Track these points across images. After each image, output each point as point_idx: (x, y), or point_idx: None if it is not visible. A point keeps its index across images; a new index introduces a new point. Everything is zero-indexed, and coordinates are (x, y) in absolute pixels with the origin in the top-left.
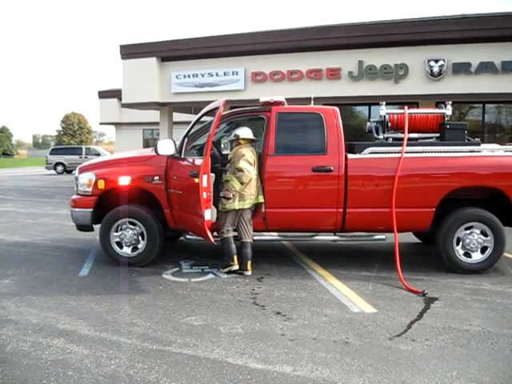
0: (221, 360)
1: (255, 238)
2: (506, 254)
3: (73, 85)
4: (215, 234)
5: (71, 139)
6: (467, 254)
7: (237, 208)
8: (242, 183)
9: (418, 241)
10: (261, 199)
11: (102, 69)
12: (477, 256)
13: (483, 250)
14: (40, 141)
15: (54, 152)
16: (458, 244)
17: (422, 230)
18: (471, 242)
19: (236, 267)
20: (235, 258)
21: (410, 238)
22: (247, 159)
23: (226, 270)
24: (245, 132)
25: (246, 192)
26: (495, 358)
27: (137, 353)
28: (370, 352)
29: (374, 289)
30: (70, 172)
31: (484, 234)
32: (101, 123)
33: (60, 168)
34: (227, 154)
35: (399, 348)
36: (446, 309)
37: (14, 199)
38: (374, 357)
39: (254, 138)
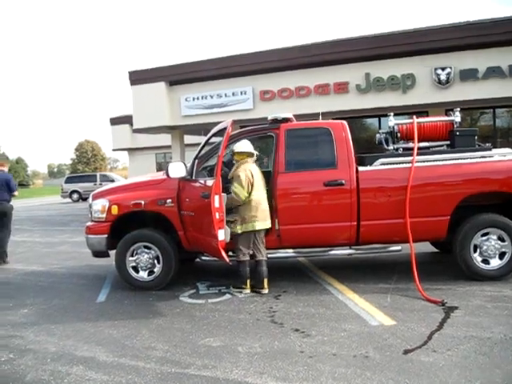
0: (240, 380)
1: (270, 255)
2: None
3: (85, 113)
4: (230, 253)
5: (85, 167)
6: (485, 261)
7: (239, 232)
8: (229, 207)
9: (436, 250)
10: (268, 224)
11: (113, 96)
12: (495, 262)
13: (501, 255)
14: (55, 170)
15: (68, 180)
16: (475, 251)
17: (438, 238)
18: (488, 248)
19: (247, 291)
20: (248, 282)
21: (426, 247)
22: (241, 183)
23: (236, 290)
24: (239, 146)
25: (246, 214)
26: None
27: (156, 377)
28: (390, 365)
29: (393, 301)
30: (85, 199)
31: (501, 239)
32: (114, 149)
33: (75, 196)
34: None
35: (420, 360)
36: (466, 317)
37: (30, 229)
38: (394, 370)
39: (250, 150)
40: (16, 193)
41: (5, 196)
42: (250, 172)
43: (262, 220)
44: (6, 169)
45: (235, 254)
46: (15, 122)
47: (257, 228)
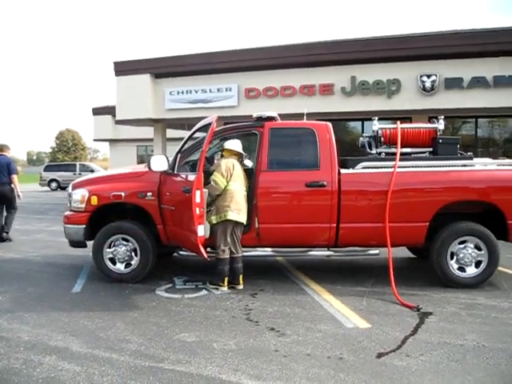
0: (214, 377)
1: (249, 253)
2: (500, 268)
3: (67, 102)
4: (208, 249)
5: (65, 156)
6: (461, 269)
7: (214, 222)
8: (209, 195)
9: (413, 255)
10: (242, 219)
11: (97, 86)
12: (471, 270)
13: (477, 264)
14: (34, 157)
15: (48, 169)
16: (452, 258)
17: (416, 244)
18: (465, 256)
19: (225, 289)
20: (226, 280)
21: (404, 252)
22: (221, 171)
23: (212, 287)
24: (229, 144)
25: (220, 204)
26: (490, 372)
27: (129, 370)
28: (364, 368)
29: (368, 304)
30: (64, 188)
31: (478, 248)
32: (95, 140)
33: (54, 184)
34: None
35: (393, 363)
36: (440, 323)
37: None
38: (368, 373)
39: (238, 150)
40: (14, 176)
41: (4, 179)
42: (231, 164)
43: (236, 211)
44: (7, 154)
45: (215, 250)
46: None
47: (229, 218)
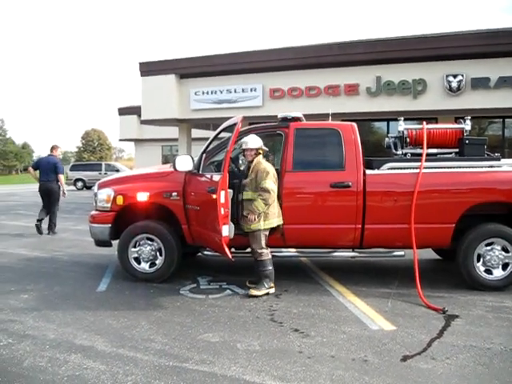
0: (238, 377)
1: (273, 254)
2: None
3: (93, 101)
4: (233, 250)
5: (91, 155)
6: (488, 271)
7: (262, 228)
8: (266, 205)
9: (438, 257)
10: (281, 221)
11: (123, 86)
12: (498, 273)
13: (505, 266)
14: (60, 157)
15: (73, 168)
16: (478, 260)
17: (442, 246)
18: (492, 258)
19: (273, 290)
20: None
21: (429, 254)
22: (272, 178)
23: (262, 293)
24: (259, 141)
25: (270, 211)
26: None
27: (153, 369)
28: (388, 370)
29: (394, 306)
30: (89, 188)
31: (505, 250)
32: (120, 140)
33: (80, 184)
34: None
35: (419, 366)
36: (466, 326)
37: (34, 214)
38: (393, 375)
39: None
40: (61, 175)
41: (51, 177)
42: (272, 166)
43: (279, 216)
44: (56, 153)
45: (254, 253)
46: (22, 107)
47: (275, 225)
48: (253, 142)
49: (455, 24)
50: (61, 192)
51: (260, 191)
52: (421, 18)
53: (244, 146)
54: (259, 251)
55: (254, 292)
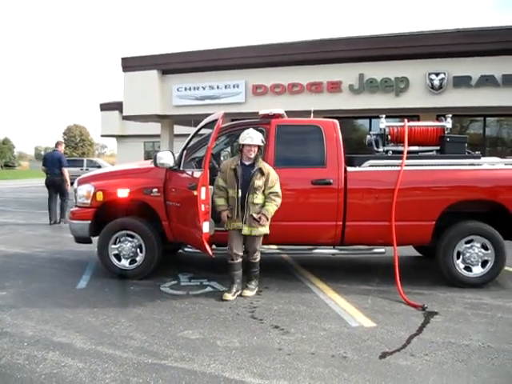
0: (217, 374)
1: None
2: (506, 268)
3: (75, 97)
4: (213, 246)
5: (73, 151)
6: (468, 268)
7: (267, 232)
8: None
9: (419, 254)
10: None
11: (104, 81)
12: (477, 270)
13: (484, 263)
14: (42, 152)
15: None
16: (458, 258)
17: (422, 243)
18: (471, 255)
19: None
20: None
21: (410, 251)
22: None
23: (254, 293)
24: (261, 137)
25: (274, 216)
26: (496, 373)
27: (132, 366)
28: (368, 367)
29: (374, 303)
30: (71, 184)
31: (484, 247)
32: (102, 135)
33: None
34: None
35: (398, 363)
36: (445, 323)
37: (14, 211)
38: (372, 372)
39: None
40: (65, 168)
41: (56, 171)
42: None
43: None
44: (61, 148)
45: (251, 254)
46: (3, 102)
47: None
48: (258, 137)
49: (446, 22)
50: (65, 183)
51: (273, 196)
52: (414, 16)
53: (249, 142)
54: (257, 253)
55: (247, 293)
